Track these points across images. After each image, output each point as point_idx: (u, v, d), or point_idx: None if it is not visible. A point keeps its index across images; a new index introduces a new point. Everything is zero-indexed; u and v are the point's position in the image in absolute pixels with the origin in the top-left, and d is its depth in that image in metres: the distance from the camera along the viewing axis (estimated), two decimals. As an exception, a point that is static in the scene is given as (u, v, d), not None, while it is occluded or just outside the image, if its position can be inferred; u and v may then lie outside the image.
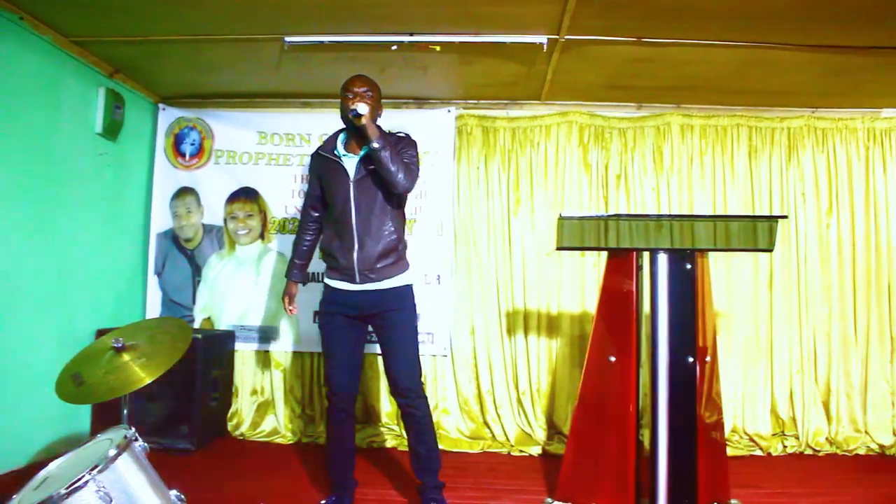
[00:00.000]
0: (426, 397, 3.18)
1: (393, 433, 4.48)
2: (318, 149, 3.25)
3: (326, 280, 3.20)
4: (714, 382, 3.13)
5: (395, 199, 3.14)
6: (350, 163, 3.10)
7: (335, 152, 3.14)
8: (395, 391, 3.13)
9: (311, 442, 4.45)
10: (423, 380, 3.21)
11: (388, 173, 2.96)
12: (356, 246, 3.05)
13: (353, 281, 3.09)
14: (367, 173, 3.06)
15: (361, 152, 3.09)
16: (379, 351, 3.24)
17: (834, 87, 4.27)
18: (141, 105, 4.71)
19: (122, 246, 4.59)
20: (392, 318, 3.12)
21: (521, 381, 4.54)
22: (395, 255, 3.13)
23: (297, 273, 3.40)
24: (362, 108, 2.92)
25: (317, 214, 3.33)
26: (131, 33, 3.74)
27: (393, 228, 3.11)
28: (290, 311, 3.39)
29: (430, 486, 3.18)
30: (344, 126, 3.18)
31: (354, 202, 3.06)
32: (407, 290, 3.19)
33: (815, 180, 4.63)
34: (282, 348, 4.69)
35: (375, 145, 2.93)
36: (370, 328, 3.23)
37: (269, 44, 3.79)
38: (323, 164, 3.18)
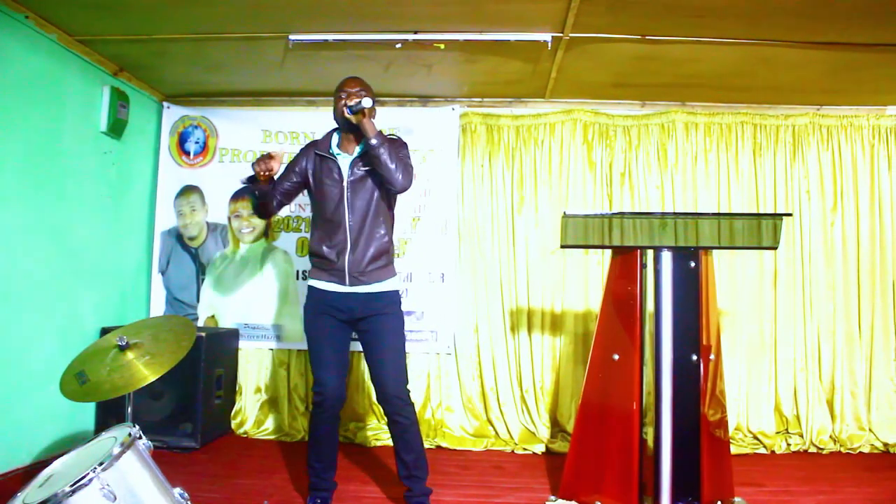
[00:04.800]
0: (413, 404, 3.09)
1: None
2: (313, 145, 3.17)
3: (312, 282, 3.12)
4: (718, 380, 3.12)
5: (387, 201, 3.11)
6: (345, 162, 3.05)
7: (330, 151, 3.08)
8: (382, 398, 3.05)
9: (315, 440, 4.44)
10: (408, 387, 3.10)
11: (388, 171, 2.92)
12: (349, 247, 3.01)
13: (342, 283, 3.03)
14: (362, 174, 3.03)
15: (356, 152, 3.05)
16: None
17: (839, 85, 4.25)
18: (145, 103, 4.72)
19: (126, 244, 4.60)
20: (380, 323, 3.05)
21: (525, 379, 4.54)
22: (386, 258, 3.10)
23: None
24: (367, 101, 2.85)
25: (280, 199, 3.15)
26: (136, 32, 3.75)
27: (384, 231, 3.09)
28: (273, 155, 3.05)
29: (418, 493, 3.11)
30: (336, 127, 3.13)
31: (348, 203, 3.02)
32: (395, 296, 3.13)
33: (819, 178, 4.61)
34: (286, 346, 4.69)
35: (374, 142, 2.89)
36: (354, 333, 3.15)
37: (274, 42, 3.80)
38: (317, 163, 3.10)
